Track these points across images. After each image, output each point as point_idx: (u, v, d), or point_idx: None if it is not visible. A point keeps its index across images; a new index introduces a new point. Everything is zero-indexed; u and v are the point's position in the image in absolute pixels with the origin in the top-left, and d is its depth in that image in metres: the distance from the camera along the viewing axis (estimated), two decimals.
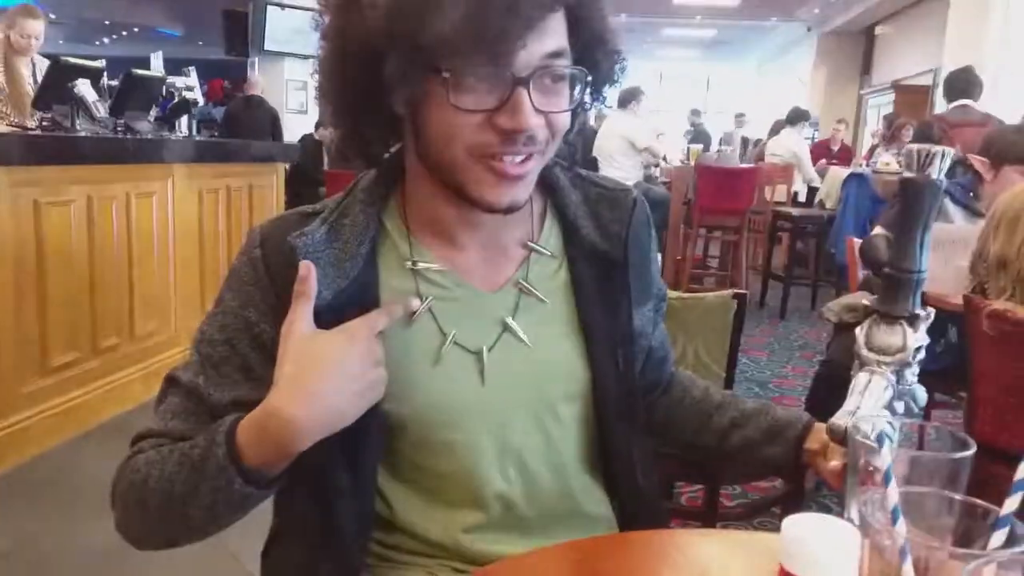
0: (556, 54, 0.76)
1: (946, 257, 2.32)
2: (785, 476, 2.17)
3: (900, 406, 0.83)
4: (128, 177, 3.12)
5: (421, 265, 0.86)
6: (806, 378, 4.07)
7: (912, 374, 0.84)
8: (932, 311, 0.85)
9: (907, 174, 0.80)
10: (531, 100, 0.75)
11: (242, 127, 6.56)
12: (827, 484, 0.90)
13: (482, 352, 0.85)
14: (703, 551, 0.83)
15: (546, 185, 0.93)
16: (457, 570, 0.88)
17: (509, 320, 0.87)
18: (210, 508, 0.78)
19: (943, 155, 0.78)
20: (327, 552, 0.85)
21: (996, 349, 1.81)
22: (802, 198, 6.84)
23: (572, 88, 0.80)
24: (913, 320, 0.84)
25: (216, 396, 0.83)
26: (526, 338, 0.87)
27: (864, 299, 2.75)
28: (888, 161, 6.21)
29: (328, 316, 0.80)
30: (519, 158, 0.78)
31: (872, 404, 0.83)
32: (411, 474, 0.88)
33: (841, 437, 0.82)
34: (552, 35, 0.76)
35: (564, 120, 0.81)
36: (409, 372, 0.83)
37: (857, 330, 0.86)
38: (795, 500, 2.06)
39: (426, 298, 0.85)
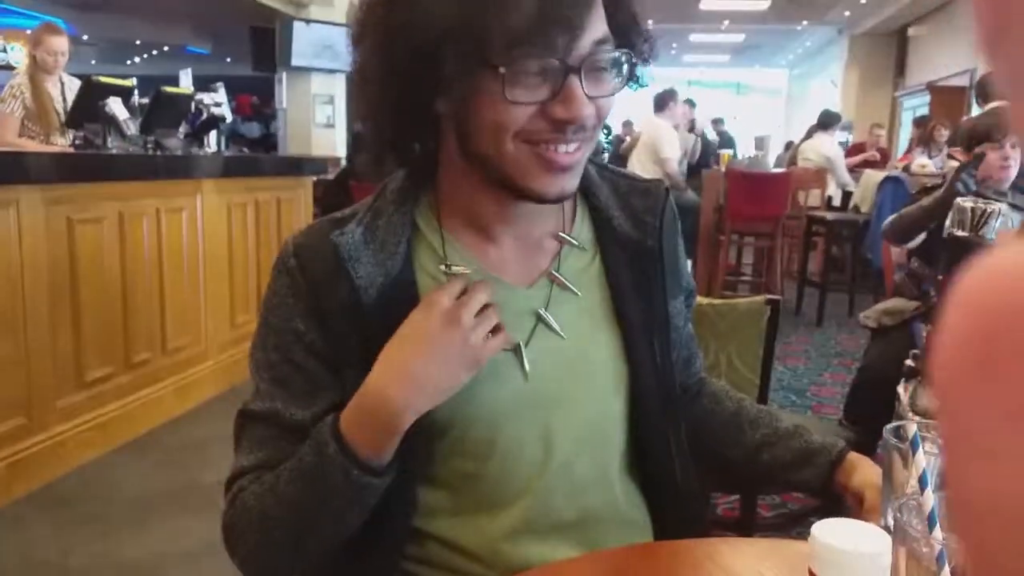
0: (602, 40, 0.76)
1: None
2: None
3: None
4: (158, 193, 3.16)
5: (455, 268, 0.85)
6: (844, 386, 3.98)
7: None
8: None
9: (958, 232, 0.76)
10: (583, 88, 0.75)
11: None
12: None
13: (519, 346, 0.84)
14: (735, 559, 0.80)
15: None
16: None
17: (542, 311, 0.86)
18: (337, 513, 0.79)
19: (998, 213, 0.75)
20: (357, 566, 0.84)
21: None
22: (836, 202, 6.73)
23: (616, 73, 0.80)
24: None
25: (298, 416, 0.83)
26: (559, 329, 0.86)
27: (902, 303, 2.68)
28: (924, 163, 6.10)
29: (375, 314, 0.81)
30: (571, 147, 0.78)
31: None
32: (447, 478, 0.86)
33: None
34: (598, 21, 0.76)
35: (610, 105, 0.81)
36: None
37: (900, 389, 0.82)
38: (834, 510, 2.00)
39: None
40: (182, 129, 3.80)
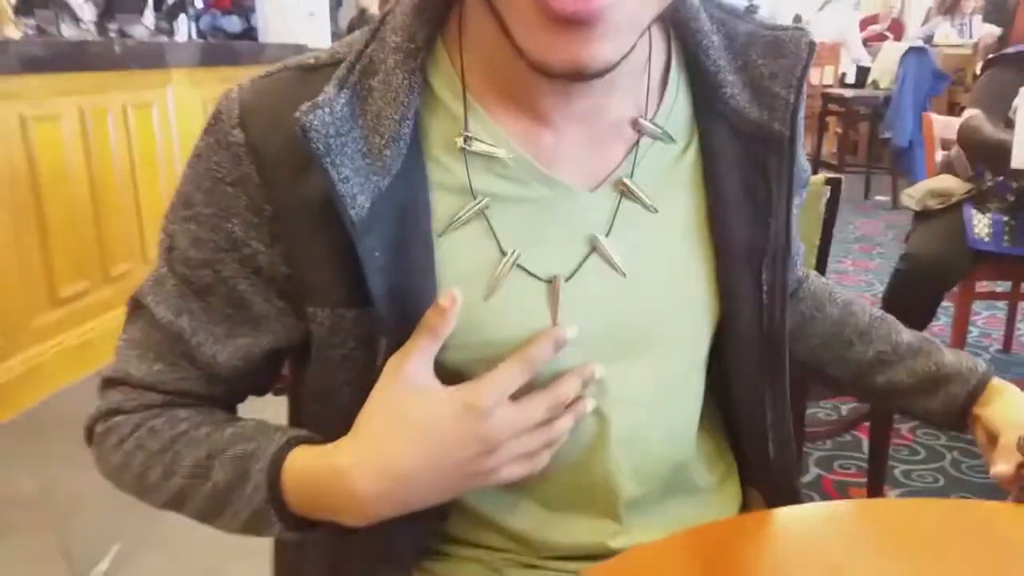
0: None
1: None
2: None
3: None
4: (122, 86, 2.84)
5: (479, 146, 0.58)
6: (867, 272, 3.80)
7: None
8: None
9: None
10: None
11: None
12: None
13: (557, 280, 0.59)
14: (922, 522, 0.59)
15: (672, 24, 0.64)
16: (528, 565, 0.66)
17: (600, 238, 0.60)
18: (233, 530, 0.63)
19: None
20: (378, 541, 0.63)
21: None
22: (851, 79, 6.36)
23: None
24: None
25: (207, 349, 0.61)
26: (621, 263, 0.61)
27: (952, 183, 2.40)
28: (947, 33, 5.73)
29: (370, 236, 0.55)
30: None
31: None
32: None
33: None
34: None
35: None
36: (462, 306, 0.58)
37: None
38: (887, 415, 1.83)
39: (480, 197, 0.59)
40: (149, 16, 3.44)
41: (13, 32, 3.17)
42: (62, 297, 2.60)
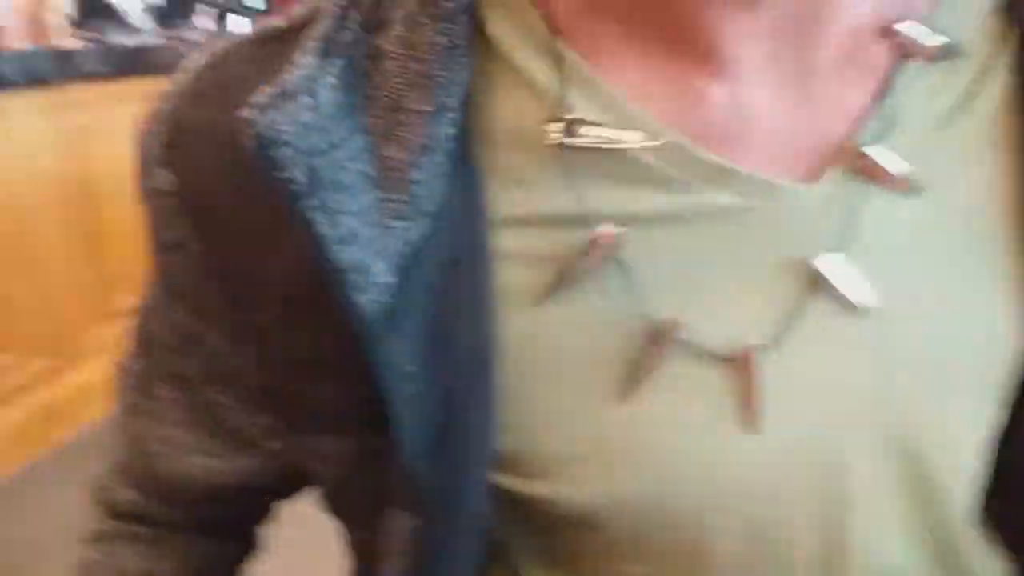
0: None
1: None
2: None
3: None
4: None
5: (591, 133, 0.32)
6: None
7: None
8: None
9: None
10: None
11: None
12: None
13: (748, 354, 0.32)
14: None
15: None
16: None
17: (821, 264, 0.32)
18: None
19: None
20: None
21: None
22: None
23: None
24: None
25: (163, 464, 0.44)
26: (865, 297, 0.33)
27: None
28: None
29: (395, 335, 0.31)
30: None
31: None
32: None
33: None
34: None
35: None
36: (576, 413, 0.34)
37: None
38: None
39: (603, 227, 0.33)
40: (201, 18, 3.37)
41: (72, 43, 3.15)
42: (120, 309, 2.53)
